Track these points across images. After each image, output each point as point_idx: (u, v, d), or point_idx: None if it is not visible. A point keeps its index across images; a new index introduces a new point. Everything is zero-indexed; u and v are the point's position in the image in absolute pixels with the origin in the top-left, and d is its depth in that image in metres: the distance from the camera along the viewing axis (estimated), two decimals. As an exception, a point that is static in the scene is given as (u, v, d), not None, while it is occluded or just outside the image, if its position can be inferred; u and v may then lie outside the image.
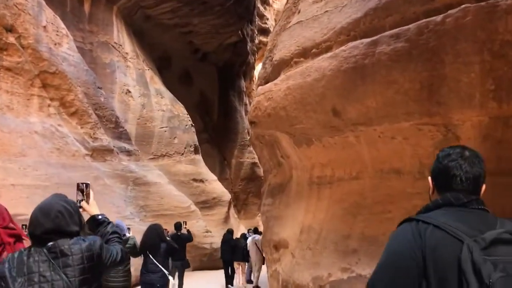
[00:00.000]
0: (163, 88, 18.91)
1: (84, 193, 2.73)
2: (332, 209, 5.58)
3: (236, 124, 27.51)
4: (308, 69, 5.22)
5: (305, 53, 5.55)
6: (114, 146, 13.97)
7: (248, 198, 28.13)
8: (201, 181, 19.11)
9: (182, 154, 18.34)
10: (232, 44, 25.98)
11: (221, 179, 24.97)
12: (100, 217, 2.69)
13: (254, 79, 32.70)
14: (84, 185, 2.74)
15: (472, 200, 1.56)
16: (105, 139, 13.47)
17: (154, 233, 6.99)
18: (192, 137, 19.30)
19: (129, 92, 16.68)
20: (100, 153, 13.22)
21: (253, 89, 34.93)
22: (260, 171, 29.93)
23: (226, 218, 20.19)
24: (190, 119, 19.68)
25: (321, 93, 5.23)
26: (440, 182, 1.65)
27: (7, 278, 2.05)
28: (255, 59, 31.38)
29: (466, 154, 1.61)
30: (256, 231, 14.51)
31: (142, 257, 6.97)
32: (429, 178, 1.74)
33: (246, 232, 16.93)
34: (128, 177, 14.24)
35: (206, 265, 16.76)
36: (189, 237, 11.19)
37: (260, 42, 32.50)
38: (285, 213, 6.79)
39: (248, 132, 29.69)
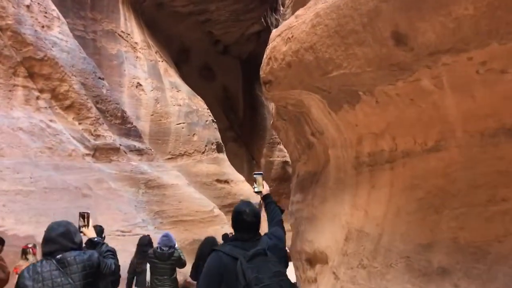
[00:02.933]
0: (179, 81, 17.13)
1: (85, 219, 3.53)
2: (398, 201, 3.44)
3: (264, 120, 25.49)
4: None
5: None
6: (121, 145, 12.21)
7: (281, 200, 25.95)
8: (226, 182, 17.18)
9: (203, 152, 16.45)
10: (255, 34, 24.01)
11: (250, 180, 23.04)
12: (96, 239, 3.52)
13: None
14: (86, 214, 3.55)
15: (251, 236, 2.81)
16: (110, 137, 11.72)
17: (210, 246, 6.48)
18: (213, 134, 17.40)
19: (140, 85, 14.95)
20: (103, 152, 11.48)
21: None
22: (293, 170, 27.87)
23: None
24: (210, 114, 17.79)
25: (374, 8, 3.09)
26: (234, 225, 2.91)
27: (28, 286, 2.71)
28: (281, 51, 29.32)
29: (248, 211, 2.85)
30: None
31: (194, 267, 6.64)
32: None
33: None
34: (139, 179, 12.44)
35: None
36: None
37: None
38: (320, 211, 4.70)
39: (277, 129, 27.71)
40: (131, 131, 13.03)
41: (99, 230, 5.69)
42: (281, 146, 26.55)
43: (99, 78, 12.13)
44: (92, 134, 11.18)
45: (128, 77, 14.65)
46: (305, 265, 4.80)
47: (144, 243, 7.26)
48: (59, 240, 2.89)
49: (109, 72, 14.06)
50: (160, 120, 15.35)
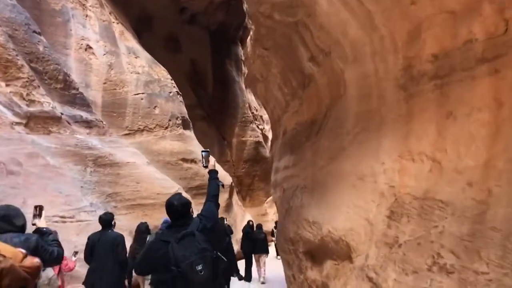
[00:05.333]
0: (137, 47, 15.00)
1: (37, 210, 3.83)
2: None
3: (235, 97, 23.60)
4: None
5: None
6: (62, 114, 10.11)
7: (254, 182, 24.30)
8: (193, 161, 15.24)
9: (166, 128, 14.45)
10: (225, 3, 21.98)
11: (221, 161, 21.18)
12: (44, 229, 3.69)
13: (253, 48, 28.73)
14: (40, 206, 3.88)
15: (182, 222, 3.19)
16: (48, 103, 9.61)
17: (220, 230, 7.39)
18: (178, 107, 15.40)
19: (90, 48, 12.78)
20: (39, 122, 9.38)
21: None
22: (266, 151, 25.98)
23: (228, 206, 16.51)
24: (175, 85, 15.76)
25: None
26: (168, 214, 3.29)
27: None
28: (253, 24, 27.36)
29: (176, 203, 3.24)
30: None
31: None
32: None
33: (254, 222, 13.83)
34: (86, 155, 10.39)
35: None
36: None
37: (259, 7, 28.47)
38: (331, 174, 2.97)
39: (250, 107, 25.71)
40: (76, 99, 10.91)
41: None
42: (254, 126, 24.71)
43: (34, 32, 9.94)
44: (24, 99, 9.06)
45: (75, 37, 12.46)
46: (304, 261, 3.03)
47: (142, 230, 7.58)
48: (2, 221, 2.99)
49: (51, 30, 11.85)
50: (115, 89, 13.23)
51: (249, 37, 3.92)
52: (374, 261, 2.13)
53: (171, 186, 12.69)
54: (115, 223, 6.86)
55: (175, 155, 14.58)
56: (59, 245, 3.56)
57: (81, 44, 12.56)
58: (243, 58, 25.92)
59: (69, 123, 10.32)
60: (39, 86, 9.52)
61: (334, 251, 2.65)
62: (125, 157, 11.75)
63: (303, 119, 3.97)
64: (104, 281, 5.95)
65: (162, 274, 2.95)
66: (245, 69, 26.58)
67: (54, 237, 3.59)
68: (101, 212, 10.43)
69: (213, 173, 3.71)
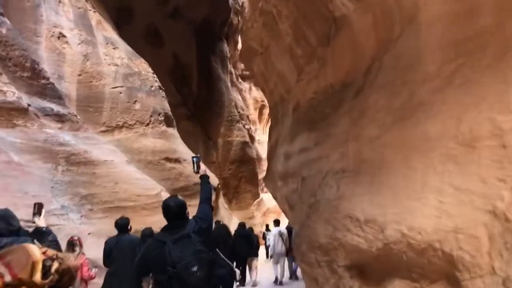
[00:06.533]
0: (116, 37, 13.91)
1: (35, 208, 3.72)
2: None
3: (221, 95, 22.59)
4: None
5: None
6: (30, 105, 8.98)
7: (240, 184, 23.30)
8: (178, 161, 14.19)
9: (147, 124, 13.36)
10: (210, -4, 21.02)
11: (207, 162, 20.13)
12: (44, 229, 3.55)
13: (238, 45, 27.78)
14: (39, 204, 3.78)
15: (178, 223, 3.25)
16: (12, 93, 8.49)
17: (224, 232, 7.71)
18: (160, 103, 14.33)
19: (64, 36, 11.66)
20: (2, 113, 8.28)
21: (238, 58, 29.89)
22: (253, 152, 24.98)
23: (215, 209, 15.41)
24: (157, 79, 14.69)
25: None
26: (164, 216, 3.33)
27: None
28: (238, 21, 26.40)
29: (172, 204, 3.31)
30: (278, 223, 12.73)
31: None
32: None
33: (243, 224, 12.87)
34: (57, 152, 9.27)
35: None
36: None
37: (244, 4, 27.58)
38: (395, 143, 1.98)
39: (236, 105, 24.68)
40: (46, 89, 9.78)
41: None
42: (240, 125, 23.71)
43: (-3, 13, 8.82)
44: (-18, 87, 7.93)
45: (46, 24, 11.32)
46: (347, 279, 2.10)
47: (147, 234, 7.26)
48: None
49: (19, 16, 10.70)
50: (91, 82, 12.11)
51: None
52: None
53: (153, 187, 11.63)
54: (131, 227, 7.03)
55: (158, 154, 13.50)
56: (57, 245, 3.54)
57: (53, 32, 11.43)
58: (228, 55, 24.93)
59: (37, 116, 9.20)
60: (1, 74, 8.39)
61: (413, 265, 1.73)
62: (102, 155, 10.65)
63: (326, 85, 3.04)
64: (123, 285, 5.96)
65: (158, 275, 3.03)
66: (231, 68, 25.58)
67: (54, 238, 3.56)
68: (73, 215, 9.34)
69: (205, 178, 3.83)
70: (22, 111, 8.70)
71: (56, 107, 9.93)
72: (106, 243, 6.54)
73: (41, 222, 3.70)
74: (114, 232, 10.66)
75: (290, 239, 11.98)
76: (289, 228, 12.50)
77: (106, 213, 10.21)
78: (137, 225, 10.22)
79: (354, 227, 2.13)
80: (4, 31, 8.79)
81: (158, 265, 2.98)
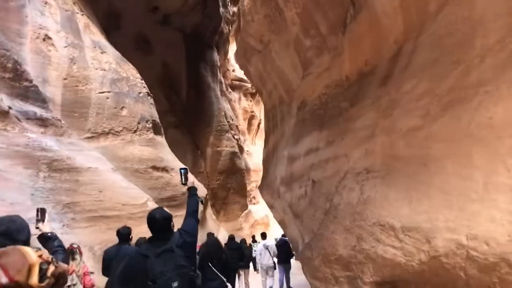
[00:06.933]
0: (104, 42, 13.52)
1: (39, 214, 3.57)
2: None
3: (211, 104, 22.25)
4: None
5: None
6: (11, 108, 8.54)
7: (229, 195, 22.85)
8: (165, 170, 13.76)
9: (135, 131, 12.94)
10: (201, 4, 20.77)
11: (195, 172, 19.68)
12: (49, 234, 3.43)
13: (229, 56, 27.55)
14: (42, 209, 3.64)
15: (162, 236, 3.16)
16: (-8, 94, 8.04)
17: (216, 246, 7.35)
18: (149, 110, 13.92)
19: (50, 39, 11.24)
20: (-20, 115, 7.80)
21: (228, 69, 29.57)
22: (242, 163, 24.58)
23: (202, 220, 15.10)
24: (145, 85, 14.30)
25: None
26: (149, 228, 3.24)
27: None
28: (229, 30, 26.21)
29: (158, 216, 3.24)
30: (265, 236, 12.46)
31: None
32: None
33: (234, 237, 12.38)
34: (39, 157, 8.81)
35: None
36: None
37: (234, 14, 27.44)
38: (441, 134, 1.62)
39: (226, 115, 24.33)
40: (29, 92, 9.34)
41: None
42: (230, 135, 23.34)
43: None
44: (-40, 87, 7.47)
45: (32, 25, 10.90)
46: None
47: (142, 244, 6.82)
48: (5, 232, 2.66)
49: (3, 15, 10.28)
50: (77, 86, 11.67)
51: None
52: None
53: (140, 196, 11.19)
54: (132, 237, 6.90)
55: (145, 162, 13.06)
56: (64, 250, 3.42)
57: (39, 34, 11.01)
58: (218, 64, 24.64)
59: (18, 119, 8.74)
60: (-19, 74, 7.96)
61: (476, 285, 1.40)
62: (86, 161, 10.19)
63: (341, 77, 2.71)
64: None
65: None
66: (221, 77, 25.28)
67: (60, 243, 3.45)
68: (55, 225, 8.86)
69: (193, 190, 3.79)
70: (2, 114, 8.25)
71: (39, 111, 9.48)
72: (105, 252, 6.46)
73: (45, 227, 3.62)
74: (98, 242, 10.15)
75: (282, 251, 11.60)
76: (281, 241, 12.10)
77: (89, 222, 9.75)
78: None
79: (387, 236, 1.77)
80: (-15, 29, 8.37)
81: (139, 280, 2.90)
